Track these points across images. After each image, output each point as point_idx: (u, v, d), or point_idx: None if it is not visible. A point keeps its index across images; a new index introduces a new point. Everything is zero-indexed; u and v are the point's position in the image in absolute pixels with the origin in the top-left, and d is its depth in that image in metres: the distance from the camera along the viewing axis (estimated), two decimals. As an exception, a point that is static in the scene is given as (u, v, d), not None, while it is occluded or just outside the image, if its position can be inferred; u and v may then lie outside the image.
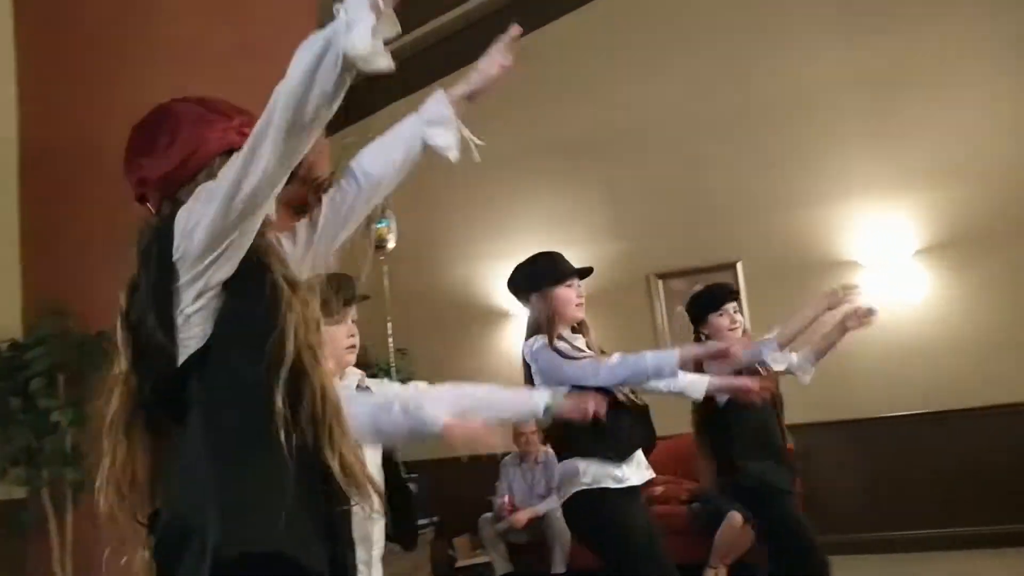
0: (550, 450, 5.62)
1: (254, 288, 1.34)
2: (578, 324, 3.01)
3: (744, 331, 3.54)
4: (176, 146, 1.39)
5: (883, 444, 5.54)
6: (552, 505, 5.31)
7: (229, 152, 1.38)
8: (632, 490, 2.87)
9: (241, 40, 3.98)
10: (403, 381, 6.11)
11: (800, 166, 5.94)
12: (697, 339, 3.55)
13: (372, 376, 6.05)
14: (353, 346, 2.34)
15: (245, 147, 1.26)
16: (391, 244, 5.23)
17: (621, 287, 6.05)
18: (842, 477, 5.57)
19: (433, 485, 5.78)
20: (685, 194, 6.18)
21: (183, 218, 1.32)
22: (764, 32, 6.16)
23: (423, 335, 6.50)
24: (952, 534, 5.25)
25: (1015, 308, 5.44)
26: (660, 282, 6.25)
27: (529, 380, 2.96)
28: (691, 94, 6.29)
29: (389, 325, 5.77)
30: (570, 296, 2.95)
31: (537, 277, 3.00)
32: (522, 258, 3.08)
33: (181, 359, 1.31)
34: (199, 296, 1.31)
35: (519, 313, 5.22)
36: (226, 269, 1.32)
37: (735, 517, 4.41)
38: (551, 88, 6.59)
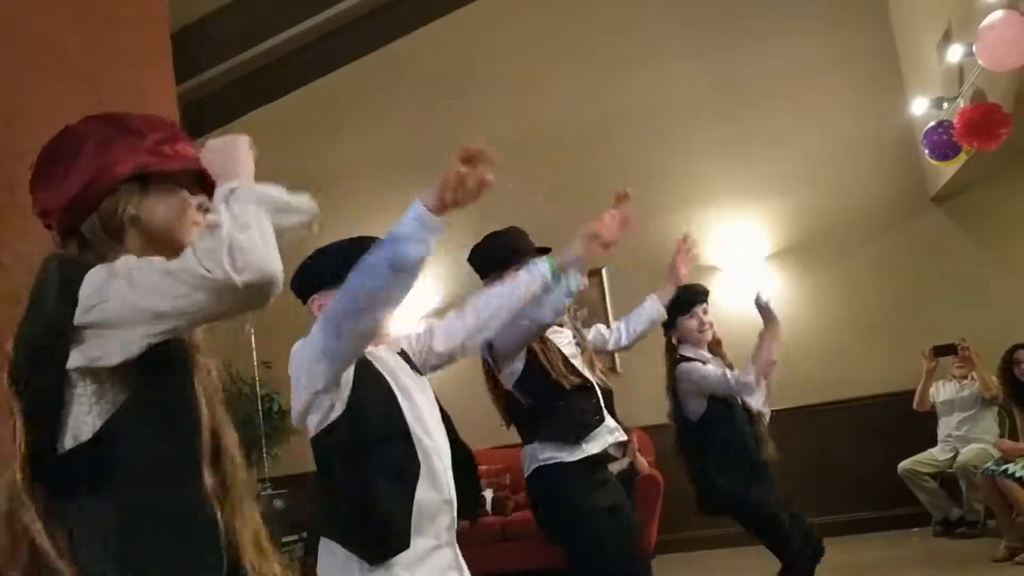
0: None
1: (159, 356, 1.13)
2: None
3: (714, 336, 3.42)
4: (75, 175, 1.18)
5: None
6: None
7: (140, 177, 1.21)
8: (592, 464, 2.64)
9: (91, 41, 3.78)
10: (266, 396, 5.96)
11: (662, 176, 6.15)
12: (669, 344, 3.40)
13: (236, 390, 5.81)
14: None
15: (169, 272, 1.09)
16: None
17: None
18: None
19: (301, 501, 5.61)
20: (550, 205, 6.26)
21: (88, 287, 1.10)
22: (626, 50, 6.38)
23: (288, 347, 6.31)
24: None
25: (852, 308, 5.83)
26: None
27: (492, 380, 2.73)
28: (556, 108, 6.43)
29: (253, 338, 5.59)
30: None
31: (491, 260, 2.75)
32: None
33: (69, 438, 1.11)
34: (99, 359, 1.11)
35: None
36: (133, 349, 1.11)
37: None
38: (409, 100, 6.56)
